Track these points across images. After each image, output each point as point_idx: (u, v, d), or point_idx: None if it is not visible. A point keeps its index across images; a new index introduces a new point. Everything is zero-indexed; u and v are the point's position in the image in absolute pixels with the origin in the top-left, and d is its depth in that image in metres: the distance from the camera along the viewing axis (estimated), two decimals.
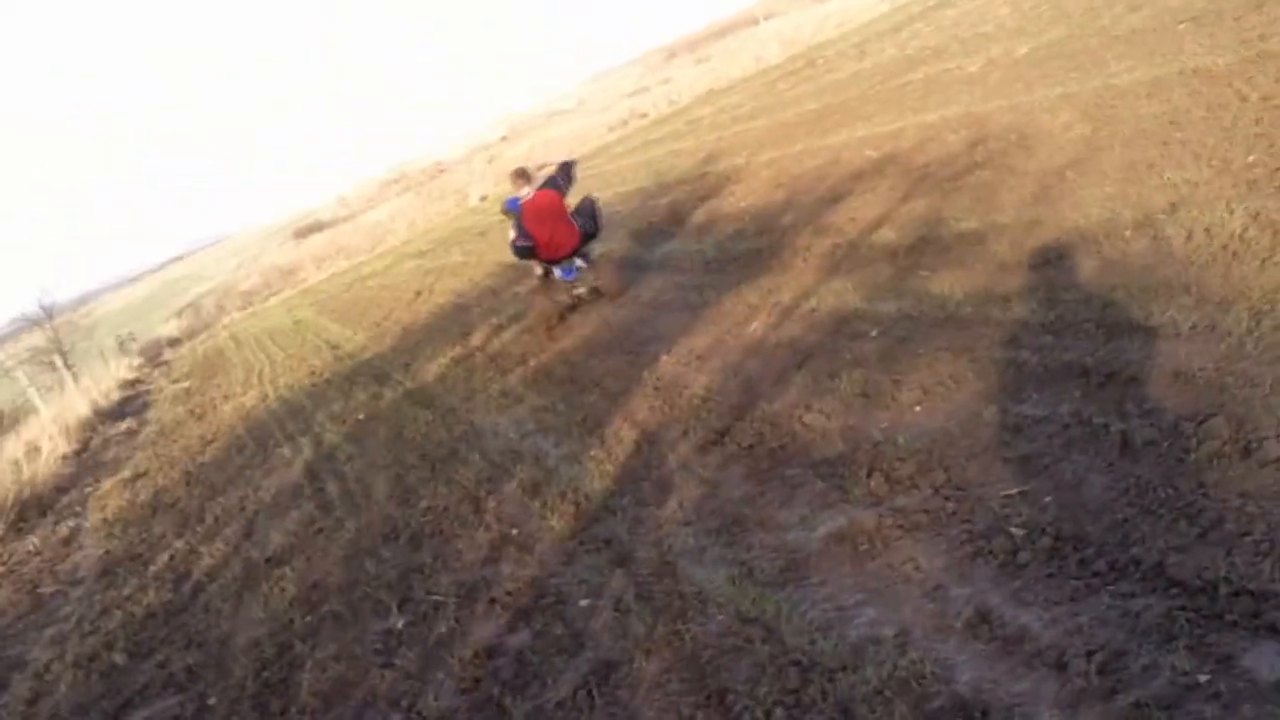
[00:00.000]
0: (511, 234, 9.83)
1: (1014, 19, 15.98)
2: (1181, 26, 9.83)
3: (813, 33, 37.12)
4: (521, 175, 9.99)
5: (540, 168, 13.13)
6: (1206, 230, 5.30)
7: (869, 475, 4.45)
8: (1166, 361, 4.25)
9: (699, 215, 12.57)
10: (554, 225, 9.55)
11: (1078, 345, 4.76)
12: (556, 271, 9.97)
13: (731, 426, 5.67)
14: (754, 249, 9.54)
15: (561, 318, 9.93)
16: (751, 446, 5.34)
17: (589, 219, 9.92)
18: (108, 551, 8.92)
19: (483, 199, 37.65)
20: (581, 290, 10.14)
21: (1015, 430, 4.29)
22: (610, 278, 10.16)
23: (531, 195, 9.63)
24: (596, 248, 10.56)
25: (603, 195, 12.79)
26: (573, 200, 9.99)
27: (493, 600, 4.90)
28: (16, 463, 14.57)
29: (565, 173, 10.05)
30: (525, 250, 9.68)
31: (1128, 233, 5.76)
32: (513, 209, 9.77)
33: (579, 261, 9.96)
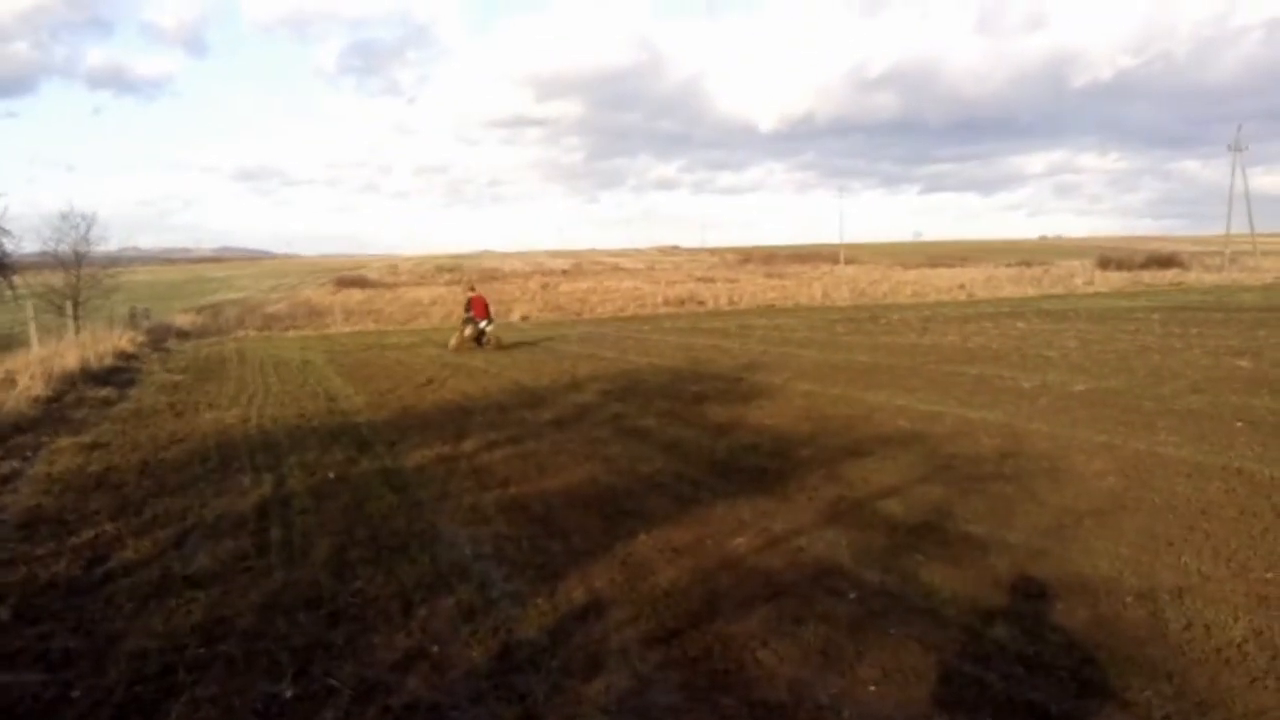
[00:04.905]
0: (465, 308, 26.00)
1: (1079, 354, 16.33)
2: (1238, 424, 9.99)
3: (886, 292, 38.04)
4: (471, 288, 28.46)
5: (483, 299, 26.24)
6: (1206, 627, 5.23)
7: None
8: None
9: (722, 414, 12.62)
10: (480, 308, 25.22)
11: (1047, 688, 4.63)
12: (480, 324, 24.84)
13: (684, 632, 5.51)
14: (763, 468, 9.51)
15: (475, 343, 24.92)
16: (696, 660, 5.16)
17: (489, 313, 25.56)
18: (39, 505, 8.71)
19: (524, 319, 38.03)
20: (485, 338, 24.81)
21: None
22: (493, 339, 24.88)
23: (476, 294, 26.01)
24: (492, 327, 25.25)
25: (638, 364, 19.81)
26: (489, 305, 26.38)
27: (387, 708, 4.68)
28: None
29: (485, 303, 25.68)
30: (467, 310, 25.42)
31: (1129, 599, 5.70)
32: (469, 297, 26.08)
33: (488, 323, 25.23)
